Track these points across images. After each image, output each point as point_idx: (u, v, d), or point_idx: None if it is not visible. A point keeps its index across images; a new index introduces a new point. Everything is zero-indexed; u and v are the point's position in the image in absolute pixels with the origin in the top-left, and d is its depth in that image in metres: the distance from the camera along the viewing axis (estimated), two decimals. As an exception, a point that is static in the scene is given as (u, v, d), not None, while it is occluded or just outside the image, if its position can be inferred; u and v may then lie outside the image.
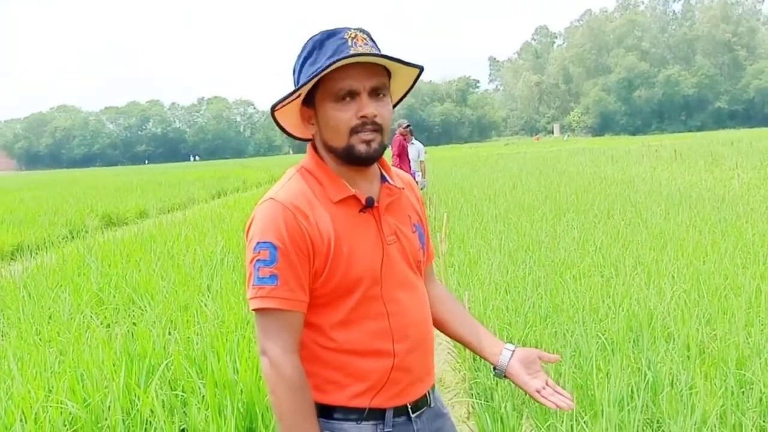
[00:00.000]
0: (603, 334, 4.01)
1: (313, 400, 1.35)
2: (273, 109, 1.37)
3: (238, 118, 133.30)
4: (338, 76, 1.30)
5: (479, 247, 7.08)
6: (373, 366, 1.38)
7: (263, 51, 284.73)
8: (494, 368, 1.55)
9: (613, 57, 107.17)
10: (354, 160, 1.36)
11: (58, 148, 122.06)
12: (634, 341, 3.95)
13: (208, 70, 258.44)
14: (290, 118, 1.41)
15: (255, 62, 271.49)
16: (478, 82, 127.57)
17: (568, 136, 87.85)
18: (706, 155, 20.79)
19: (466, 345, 1.63)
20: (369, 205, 1.39)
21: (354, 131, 1.33)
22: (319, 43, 1.33)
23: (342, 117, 1.32)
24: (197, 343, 4.10)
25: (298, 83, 1.35)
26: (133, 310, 5.45)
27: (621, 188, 12.27)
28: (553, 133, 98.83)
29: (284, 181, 1.41)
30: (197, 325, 4.42)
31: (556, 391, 1.46)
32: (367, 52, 1.29)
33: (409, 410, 1.44)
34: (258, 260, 1.31)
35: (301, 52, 1.36)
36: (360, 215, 1.40)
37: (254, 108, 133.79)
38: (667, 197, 10.46)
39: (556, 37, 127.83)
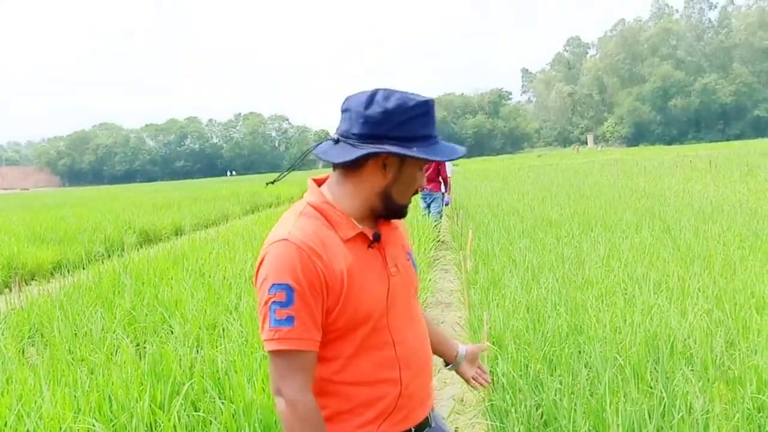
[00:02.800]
0: (621, 356, 4.02)
1: None
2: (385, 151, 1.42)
3: (273, 134, 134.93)
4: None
5: (503, 264, 7.10)
6: (382, 394, 1.45)
7: (298, 67, 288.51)
8: (448, 364, 1.89)
9: (647, 66, 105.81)
10: (396, 214, 1.54)
11: (100, 164, 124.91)
12: (653, 363, 3.95)
13: (245, 87, 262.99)
14: (350, 153, 1.43)
15: (290, 78, 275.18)
16: (510, 93, 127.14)
17: (602, 146, 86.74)
18: (741, 166, 20.40)
19: (434, 350, 1.77)
20: (376, 239, 1.49)
21: (414, 193, 1.54)
22: (430, 109, 1.46)
23: (417, 183, 1.52)
24: (221, 362, 4.22)
25: (402, 131, 1.42)
26: (164, 328, 5.61)
27: (651, 201, 12.13)
28: (587, 143, 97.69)
29: (293, 220, 1.45)
30: (222, 345, 4.55)
31: (481, 376, 1.89)
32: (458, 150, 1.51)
33: None
34: (274, 302, 1.34)
35: (418, 107, 1.43)
36: (368, 251, 1.48)
37: (289, 123, 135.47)
38: (698, 211, 10.31)
39: (589, 48, 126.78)
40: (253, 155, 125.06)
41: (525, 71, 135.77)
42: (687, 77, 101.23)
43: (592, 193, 14.54)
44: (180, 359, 4.27)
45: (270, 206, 22.74)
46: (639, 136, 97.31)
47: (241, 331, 4.87)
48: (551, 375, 4.01)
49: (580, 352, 4.21)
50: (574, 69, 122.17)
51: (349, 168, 1.47)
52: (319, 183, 1.58)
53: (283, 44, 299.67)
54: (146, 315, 6.03)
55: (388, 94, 1.42)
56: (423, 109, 1.43)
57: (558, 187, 17.68)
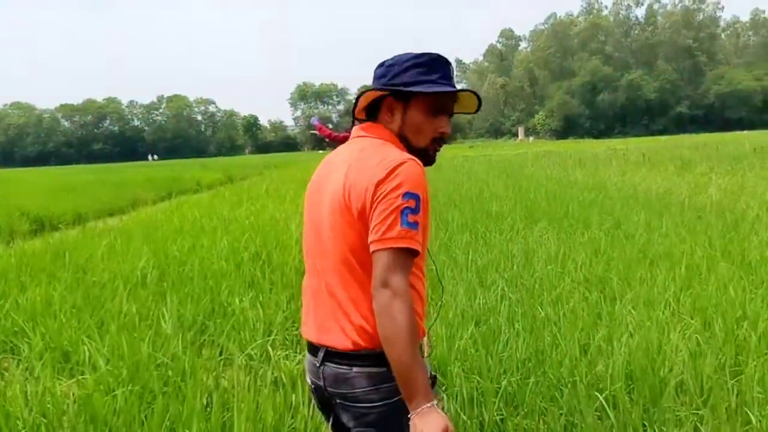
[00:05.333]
0: (600, 391, 3.11)
1: None
2: (376, 89, 1.68)
3: (199, 117, 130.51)
4: (440, 97, 1.67)
5: (443, 263, 6.16)
6: (424, 306, 1.69)
7: (224, 49, 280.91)
8: None
9: (577, 60, 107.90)
10: (424, 159, 1.66)
11: (10, 145, 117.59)
12: (643, 400, 3.06)
13: (168, 68, 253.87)
14: (364, 101, 1.71)
15: (216, 61, 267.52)
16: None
17: (531, 139, 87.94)
18: (674, 159, 20.32)
19: None
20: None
21: (434, 141, 1.71)
22: (432, 62, 1.66)
23: (431, 127, 1.69)
24: (67, 406, 3.08)
25: (399, 79, 1.65)
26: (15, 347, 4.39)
27: (594, 194, 11.51)
28: (517, 135, 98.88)
29: (398, 150, 1.63)
30: (75, 378, 3.39)
31: None
32: (469, 89, 1.73)
33: None
34: (406, 207, 1.50)
35: (416, 59, 1.65)
36: None
37: (216, 107, 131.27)
38: (645, 204, 9.71)
39: (521, 40, 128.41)
40: (177, 139, 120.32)
41: (458, 62, 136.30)
42: (614, 72, 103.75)
43: (530, 185, 13.86)
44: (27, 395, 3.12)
45: (189, 192, 21.14)
46: (568, 129, 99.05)
47: (107, 356, 3.72)
48: (512, 417, 3.07)
49: (547, 386, 3.29)
50: (506, 61, 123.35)
51: (371, 116, 1.73)
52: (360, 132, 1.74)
53: (208, 25, 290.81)
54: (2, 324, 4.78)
55: (397, 56, 1.69)
56: (420, 60, 1.65)
57: (494, 178, 16.99)
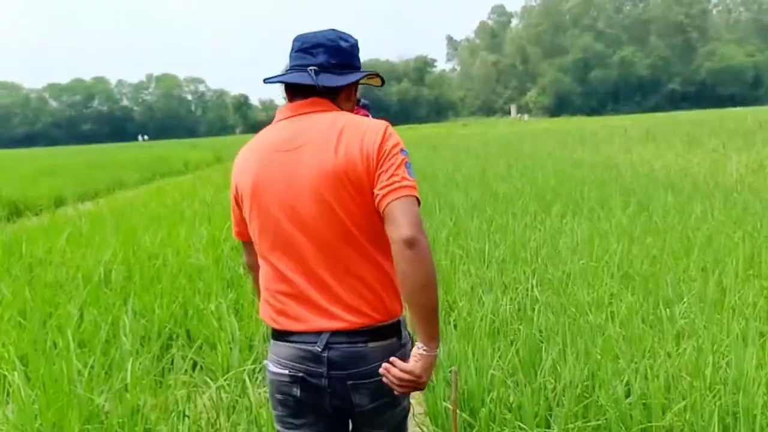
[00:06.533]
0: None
1: None
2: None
3: (189, 97, 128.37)
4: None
5: (455, 256, 5.34)
6: None
7: (214, 27, 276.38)
8: None
9: (569, 37, 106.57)
10: None
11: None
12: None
13: (157, 46, 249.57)
14: (346, 78, 1.69)
15: (207, 39, 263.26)
16: (435, 61, 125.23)
17: (526, 116, 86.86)
18: (678, 136, 19.51)
19: None
20: None
21: None
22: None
23: None
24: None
25: (358, 58, 1.72)
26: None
27: (606, 173, 10.71)
28: (510, 113, 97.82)
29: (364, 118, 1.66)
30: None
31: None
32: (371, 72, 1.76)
33: None
34: (407, 162, 1.56)
35: (356, 42, 1.72)
36: None
37: (206, 86, 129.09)
38: (666, 184, 8.91)
39: (513, 17, 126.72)
40: (167, 119, 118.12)
41: (450, 39, 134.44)
42: (606, 49, 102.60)
43: (534, 164, 13.03)
44: None
45: (175, 174, 20.19)
46: (560, 106, 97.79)
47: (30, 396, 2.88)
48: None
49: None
50: (498, 38, 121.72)
51: (328, 94, 1.64)
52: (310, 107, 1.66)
53: (198, 3, 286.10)
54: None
55: (342, 32, 1.70)
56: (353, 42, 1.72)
57: (495, 156, 16.14)
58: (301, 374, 1.59)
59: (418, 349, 1.50)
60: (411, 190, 1.49)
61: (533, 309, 3.86)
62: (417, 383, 1.49)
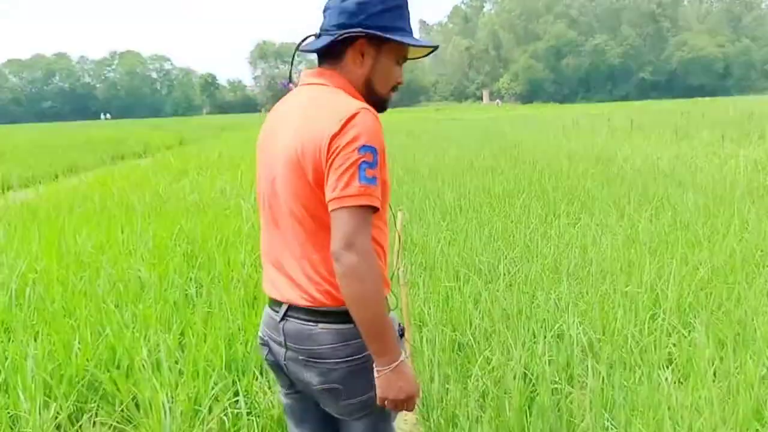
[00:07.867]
0: None
1: None
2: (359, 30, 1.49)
3: (154, 75, 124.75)
4: (404, 47, 1.55)
5: (458, 274, 4.31)
6: (387, 252, 1.59)
7: (180, 3, 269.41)
8: None
9: (542, 24, 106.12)
10: (380, 107, 1.55)
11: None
12: None
13: (120, 22, 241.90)
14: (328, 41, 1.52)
15: (171, 14, 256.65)
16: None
17: (501, 102, 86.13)
18: (664, 126, 18.74)
19: None
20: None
21: (392, 89, 1.60)
22: (405, 4, 1.55)
23: (395, 76, 1.59)
24: None
25: (375, 21, 1.48)
26: None
27: (606, 167, 9.79)
28: (482, 99, 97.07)
29: (350, 98, 1.48)
30: None
31: None
32: (435, 45, 1.61)
33: None
34: (364, 162, 1.37)
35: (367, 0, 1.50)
36: None
37: (171, 64, 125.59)
38: (682, 182, 8.00)
39: (486, 2, 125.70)
40: (130, 97, 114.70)
41: (423, 23, 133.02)
42: (579, 37, 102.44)
43: (523, 155, 12.06)
44: None
45: (134, 156, 18.78)
46: (533, 93, 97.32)
47: None
48: None
49: None
50: (471, 23, 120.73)
51: (332, 59, 1.53)
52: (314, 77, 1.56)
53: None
54: None
55: None
56: (397, 3, 1.51)
57: (477, 145, 15.14)
58: (266, 338, 1.62)
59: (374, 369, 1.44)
60: (355, 199, 1.36)
61: (585, 369, 2.85)
62: (392, 404, 1.43)
